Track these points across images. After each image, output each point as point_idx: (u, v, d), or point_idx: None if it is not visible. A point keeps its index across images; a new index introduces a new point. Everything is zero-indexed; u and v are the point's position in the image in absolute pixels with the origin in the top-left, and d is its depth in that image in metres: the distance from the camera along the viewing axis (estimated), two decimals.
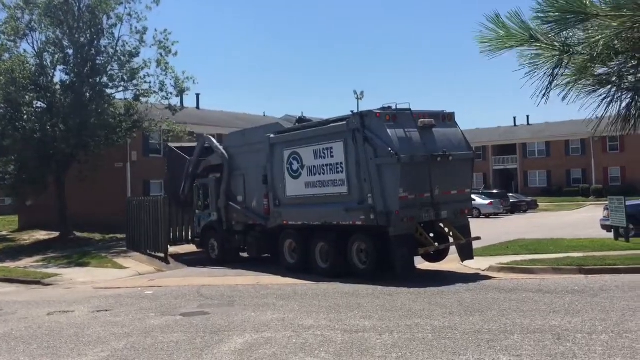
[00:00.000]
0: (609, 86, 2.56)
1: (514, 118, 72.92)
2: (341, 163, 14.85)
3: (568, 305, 10.01)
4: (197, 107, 42.88)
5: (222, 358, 7.61)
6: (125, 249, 23.57)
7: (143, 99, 27.85)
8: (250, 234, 18.59)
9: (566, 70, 2.48)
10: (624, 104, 2.58)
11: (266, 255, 18.60)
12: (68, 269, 19.95)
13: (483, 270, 14.80)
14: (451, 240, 15.33)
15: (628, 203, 18.25)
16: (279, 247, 17.03)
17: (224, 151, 19.63)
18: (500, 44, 2.46)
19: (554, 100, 2.59)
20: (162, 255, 20.67)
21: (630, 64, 2.42)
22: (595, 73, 2.52)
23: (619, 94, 2.57)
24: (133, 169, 31.79)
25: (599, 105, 2.63)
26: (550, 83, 2.52)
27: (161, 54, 27.38)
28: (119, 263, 20.60)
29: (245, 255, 19.66)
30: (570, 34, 2.36)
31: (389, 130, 13.87)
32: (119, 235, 26.35)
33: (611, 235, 18.66)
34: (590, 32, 2.26)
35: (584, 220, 30.24)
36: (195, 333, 9.17)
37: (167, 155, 23.31)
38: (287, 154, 16.47)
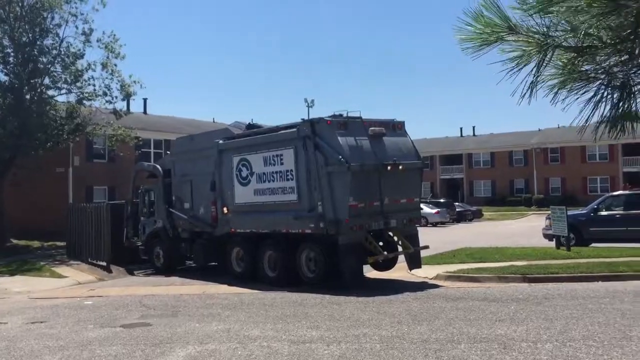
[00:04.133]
0: (598, 83, 2.42)
1: (461, 129, 74.55)
2: (291, 170, 14.66)
3: (513, 313, 10.11)
4: (144, 112, 41.92)
5: None
6: (65, 257, 22.69)
7: (87, 102, 27.01)
8: (197, 242, 18.13)
9: (551, 70, 2.35)
10: (612, 103, 2.44)
11: (213, 263, 18.21)
12: (3, 278, 19.03)
13: (430, 279, 14.87)
14: (400, 249, 15.34)
15: (569, 213, 18.76)
16: (226, 256, 16.67)
17: (155, 164, 20.65)
18: (481, 38, 2.32)
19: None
20: (104, 263, 19.98)
21: (618, 58, 2.30)
22: (582, 69, 2.39)
23: (608, 91, 2.42)
24: (75, 174, 30.74)
25: (585, 106, 2.48)
26: (534, 81, 2.39)
27: (107, 57, 26.66)
28: (58, 272, 19.78)
29: (191, 263, 19.20)
30: (554, 21, 2.23)
31: (339, 138, 13.79)
32: (58, 243, 25.38)
33: (553, 244, 19.12)
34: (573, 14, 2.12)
35: (527, 229, 31.00)
36: (136, 345, 8.80)
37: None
38: (236, 160, 16.17)
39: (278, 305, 12.14)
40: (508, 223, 41.73)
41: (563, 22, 2.18)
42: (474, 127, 74.72)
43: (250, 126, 18.00)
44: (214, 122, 48.26)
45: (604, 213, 20.81)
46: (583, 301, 11.06)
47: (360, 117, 14.64)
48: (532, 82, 2.37)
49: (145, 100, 42.43)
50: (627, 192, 23.90)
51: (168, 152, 21.17)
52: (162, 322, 10.65)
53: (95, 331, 10.14)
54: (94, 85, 26.68)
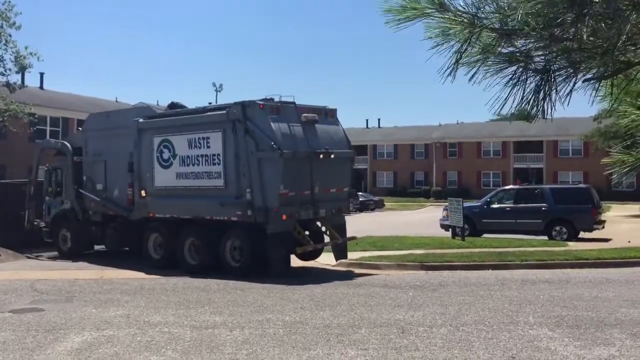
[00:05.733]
0: (516, 66, 2.46)
1: (367, 120, 76.40)
2: (218, 155, 14.03)
3: (411, 299, 10.53)
4: (41, 87, 39.63)
5: (57, 359, 6.99)
6: None
7: None
8: (109, 226, 17.16)
9: (473, 49, 2.38)
10: (531, 86, 2.51)
11: (126, 249, 17.38)
12: None
13: (333, 266, 15.16)
14: (327, 239, 15.09)
15: (465, 205, 19.72)
16: (143, 241, 15.73)
17: (64, 141, 19.21)
18: (406, 14, 2.32)
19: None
20: None
21: (541, 43, 2.37)
22: (502, 51, 2.45)
23: (526, 74, 2.50)
24: None
25: (504, 86, 2.50)
26: (457, 61, 2.42)
27: (1, 26, 24.84)
28: None
29: (102, 247, 18.11)
30: (483, 3, 2.27)
31: (272, 124, 13.23)
32: None
33: (449, 234, 20.04)
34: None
35: (426, 219, 32.22)
36: (26, 331, 8.37)
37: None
38: (157, 141, 15.32)
39: (180, 290, 11.94)
40: (408, 213, 43.21)
41: (491, 3, 2.23)
42: (379, 120, 77.03)
43: (172, 105, 16.87)
44: (116, 101, 46.38)
45: (495, 206, 22.09)
46: (475, 288, 11.70)
47: (293, 102, 14.10)
48: (456, 60, 2.41)
49: (42, 74, 40.17)
50: (516, 186, 25.50)
51: (79, 128, 19.71)
52: (56, 308, 10.18)
53: None
54: None
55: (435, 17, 2.37)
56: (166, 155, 15.19)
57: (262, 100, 13.79)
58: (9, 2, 24.79)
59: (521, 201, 21.84)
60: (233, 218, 13.83)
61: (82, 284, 13.06)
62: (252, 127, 13.40)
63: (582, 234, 20.80)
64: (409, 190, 64.10)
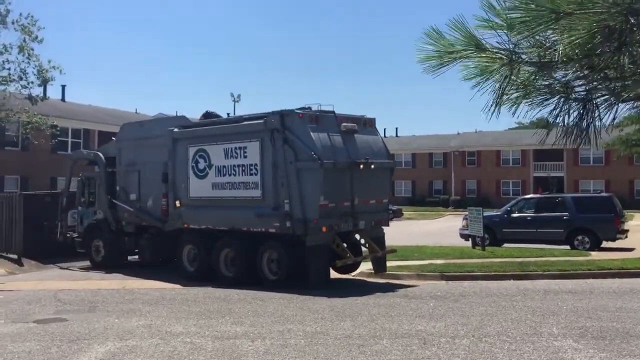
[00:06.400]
0: (557, 97, 2.51)
1: (384, 129, 76.27)
2: (255, 165, 13.85)
3: (432, 310, 10.47)
4: (63, 99, 40.18)
5: None
6: None
7: (1, 87, 25.51)
8: (143, 237, 17.09)
9: (512, 85, 2.43)
10: (573, 115, 2.55)
11: (160, 260, 17.20)
12: None
13: (353, 276, 15.13)
14: (364, 250, 14.84)
15: (485, 214, 19.58)
16: (177, 253, 15.55)
17: (96, 152, 19.23)
18: (441, 58, 2.39)
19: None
20: (15, 256, 19.01)
21: (581, 73, 2.41)
22: (539, 84, 2.49)
23: (567, 104, 2.54)
24: None
25: (548, 116, 2.57)
26: (500, 97, 2.46)
27: (25, 40, 25.27)
28: None
29: (135, 259, 18.07)
30: (519, 39, 2.31)
31: (312, 133, 13.03)
32: None
33: (469, 243, 19.89)
34: (560, 32, 2.19)
35: (445, 228, 32.02)
36: (51, 342, 8.47)
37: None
38: (192, 151, 15.23)
39: (201, 300, 12.00)
40: (427, 223, 42.96)
41: (528, 39, 2.27)
42: (397, 129, 77.07)
43: (207, 115, 16.77)
44: (136, 112, 46.94)
45: (516, 215, 21.88)
46: (497, 299, 11.60)
47: (333, 112, 13.91)
48: (499, 95, 2.45)
49: (63, 87, 40.68)
50: (538, 195, 25.25)
51: (113, 138, 19.74)
52: (79, 318, 10.29)
53: (7, 327, 9.66)
54: (9, 70, 25.25)
55: (473, 57, 2.41)
56: (202, 165, 15.06)
57: (300, 109, 13.61)
58: (32, 16, 25.25)
59: (542, 210, 21.60)
60: (271, 230, 13.55)
61: (104, 294, 13.19)
62: (291, 136, 13.17)
63: (604, 244, 20.52)
64: (428, 199, 63.77)
